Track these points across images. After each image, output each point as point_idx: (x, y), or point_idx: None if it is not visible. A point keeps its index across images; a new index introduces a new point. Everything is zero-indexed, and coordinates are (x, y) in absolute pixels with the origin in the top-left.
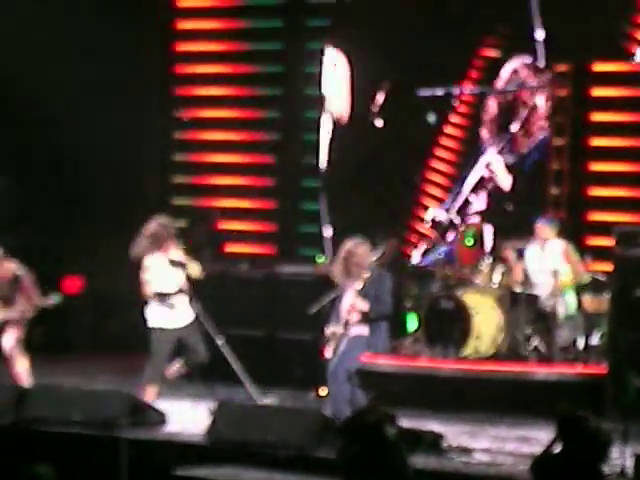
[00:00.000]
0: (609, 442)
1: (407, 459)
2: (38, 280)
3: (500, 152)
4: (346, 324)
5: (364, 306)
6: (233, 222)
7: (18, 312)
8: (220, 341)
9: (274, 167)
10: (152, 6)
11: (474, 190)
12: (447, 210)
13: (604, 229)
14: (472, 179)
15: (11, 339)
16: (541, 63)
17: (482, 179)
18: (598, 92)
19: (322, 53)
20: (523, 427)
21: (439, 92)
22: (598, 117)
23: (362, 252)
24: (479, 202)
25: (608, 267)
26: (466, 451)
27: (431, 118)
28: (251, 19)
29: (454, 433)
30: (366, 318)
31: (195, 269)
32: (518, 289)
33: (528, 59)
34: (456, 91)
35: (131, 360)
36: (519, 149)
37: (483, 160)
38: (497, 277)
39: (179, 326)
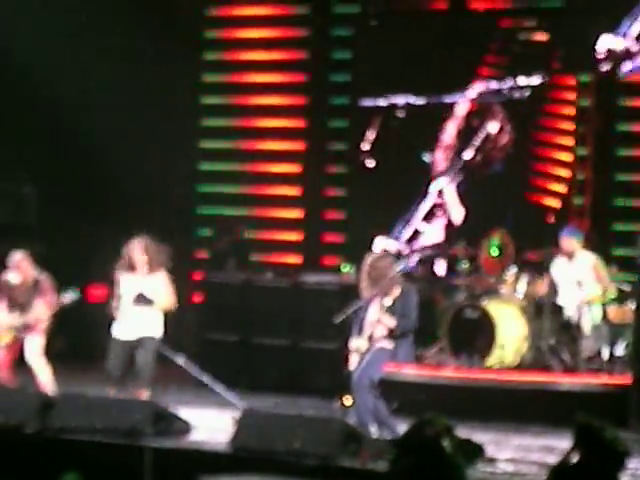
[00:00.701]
0: (627, 452)
1: (464, 474)
2: (60, 288)
3: (452, 180)
4: (370, 337)
5: (391, 323)
6: (258, 231)
7: (35, 316)
8: (181, 360)
9: (300, 176)
10: (182, 15)
11: (426, 219)
12: (396, 239)
13: (629, 239)
14: (423, 207)
15: (34, 347)
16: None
17: (434, 207)
18: (624, 102)
19: None
20: (547, 437)
21: (382, 102)
22: (623, 127)
23: (383, 265)
24: (433, 232)
25: (633, 277)
26: (491, 460)
27: (425, 157)
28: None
29: (479, 442)
30: (392, 334)
31: (165, 303)
32: (544, 299)
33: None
34: (400, 101)
35: (157, 368)
36: (472, 178)
37: (435, 187)
38: (522, 287)
39: (129, 338)
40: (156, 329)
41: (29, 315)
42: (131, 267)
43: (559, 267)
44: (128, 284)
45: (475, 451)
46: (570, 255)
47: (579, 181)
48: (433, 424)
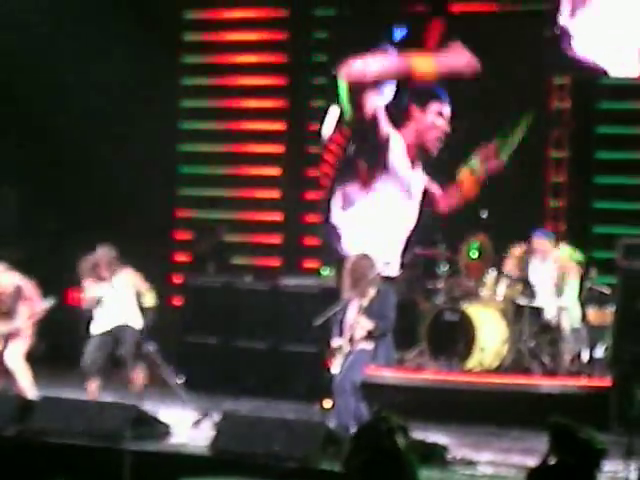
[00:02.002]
0: (603, 450)
1: (417, 472)
2: (41, 292)
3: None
4: (351, 339)
5: (369, 325)
6: (238, 234)
7: (20, 323)
8: (151, 347)
9: (279, 179)
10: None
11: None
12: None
13: (608, 241)
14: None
15: (16, 351)
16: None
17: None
18: (602, 105)
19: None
20: (527, 439)
21: None
22: (602, 130)
23: (365, 265)
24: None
25: (612, 280)
26: (470, 463)
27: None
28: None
29: (458, 445)
30: (371, 335)
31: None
32: (522, 301)
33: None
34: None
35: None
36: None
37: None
38: (501, 289)
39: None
40: (135, 319)
41: (14, 322)
42: (98, 277)
43: (534, 269)
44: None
45: (436, 452)
46: (544, 256)
47: (555, 184)
48: (387, 421)
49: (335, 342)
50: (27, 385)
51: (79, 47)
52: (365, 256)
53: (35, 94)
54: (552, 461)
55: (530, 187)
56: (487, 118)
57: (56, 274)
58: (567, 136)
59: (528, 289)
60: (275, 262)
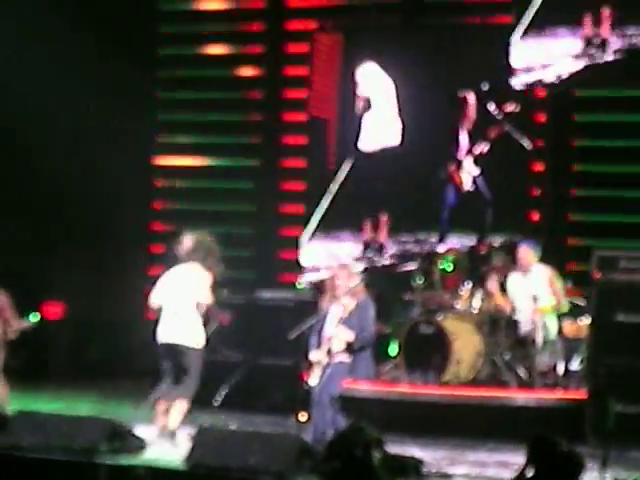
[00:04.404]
0: (581, 463)
1: None
2: (17, 305)
3: None
4: (329, 351)
5: (349, 336)
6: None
7: None
8: None
9: (253, 192)
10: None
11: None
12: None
13: (584, 254)
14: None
15: None
16: None
17: None
18: (580, 117)
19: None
20: (503, 452)
21: None
22: (579, 142)
23: (343, 275)
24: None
25: (588, 292)
26: (446, 477)
27: None
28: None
29: (434, 458)
30: (350, 347)
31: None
32: (500, 315)
33: None
34: None
35: (111, 386)
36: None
37: None
38: (477, 302)
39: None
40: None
41: None
42: None
43: (514, 282)
44: None
45: (411, 466)
46: (525, 269)
47: (534, 196)
48: (363, 433)
49: (313, 354)
50: (2, 399)
51: (49, 63)
52: (344, 266)
53: (8, 111)
54: (530, 473)
55: (511, 199)
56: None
57: (32, 288)
58: (548, 149)
59: (508, 304)
60: (250, 275)
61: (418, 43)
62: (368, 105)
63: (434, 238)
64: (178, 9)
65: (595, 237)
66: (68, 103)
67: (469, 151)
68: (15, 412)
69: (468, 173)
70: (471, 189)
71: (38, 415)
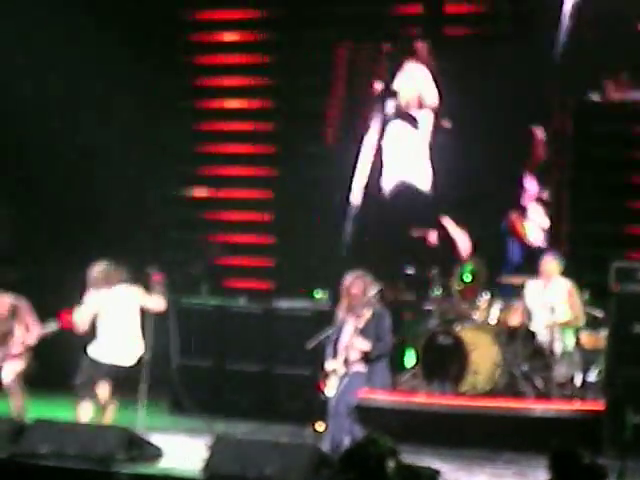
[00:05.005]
0: (604, 476)
1: None
2: (37, 313)
3: None
4: (345, 361)
5: (366, 346)
6: (232, 257)
7: (18, 345)
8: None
9: (273, 202)
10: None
11: None
12: None
13: (602, 265)
14: None
15: (11, 372)
16: None
17: None
18: (599, 127)
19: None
20: (520, 463)
21: None
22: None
23: (360, 285)
24: None
25: (606, 303)
26: None
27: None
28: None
29: (451, 469)
30: (367, 357)
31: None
32: (516, 324)
33: None
34: None
35: (129, 394)
36: None
37: None
38: (495, 313)
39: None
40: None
41: (11, 344)
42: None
43: (533, 292)
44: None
45: (427, 476)
46: (547, 279)
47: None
48: (377, 444)
49: (329, 364)
50: (20, 407)
51: (61, 65)
52: (361, 276)
53: (34, 117)
54: None
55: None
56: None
57: (50, 296)
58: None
59: (525, 313)
60: (268, 285)
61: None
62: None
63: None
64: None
65: (613, 248)
66: (94, 106)
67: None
68: (33, 420)
69: (534, 223)
70: (540, 243)
71: (55, 423)
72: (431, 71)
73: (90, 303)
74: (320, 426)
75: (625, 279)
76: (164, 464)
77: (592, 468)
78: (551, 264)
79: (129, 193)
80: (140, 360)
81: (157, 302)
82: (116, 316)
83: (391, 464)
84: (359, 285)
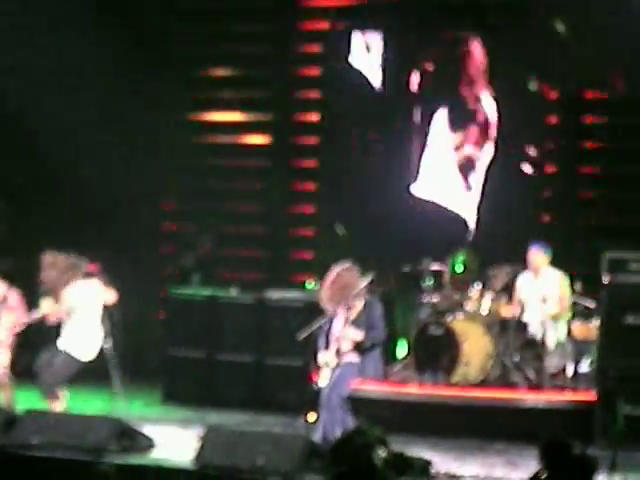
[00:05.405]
0: (594, 467)
1: None
2: (27, 305)
3: None
4: (338, 352)
5: (358, 335)
6: (224, 248)
7: (5, 332)
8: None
9: (262, 192)
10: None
11: None
12: None
13: (594, 256)
14: None
15: (1, 365)
16: None
17: None
18: (590, 119)
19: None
20: (512, 453)
21: None
22: (589, 144)
23: (349, 277)
24: None
25: (597, 294)
26: (454, 477)
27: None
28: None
29: (443, 459)
30: (359, 347)
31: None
32: (509, 316)
33: None
34: None
35: (121, 384)
36: None
37: None
38: (486, 303)
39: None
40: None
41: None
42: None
43: (524, 284)
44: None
45: (419, 466)
46: (536, 271)
47: (545, 198)
48: (365, 435)
49: (322, 355)
50: (10, 398)
51: (64, 62)
52: (349, 267)
53: (20, 110)
54: (543, 476)
55: (520, 202)
56: None
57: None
58: (559, 150)
59: (517, 304)
60: (260, 275)
61: None
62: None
63: None
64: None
65: (605, 239)
66: (84, 99)
67: None
68: (23, 411)
69: None
70: None
71: (46, 414)
72: None
73: (65, 296)
74: (312, 417)
75: (617, 270)
76: (156, 455)
77: (582, 459)
78: (537, 256)
79: (119, 184)
80: (100, 353)
81: (109, 294)
82: (80, 311)
83: (381, 454)
84: (347, 277)
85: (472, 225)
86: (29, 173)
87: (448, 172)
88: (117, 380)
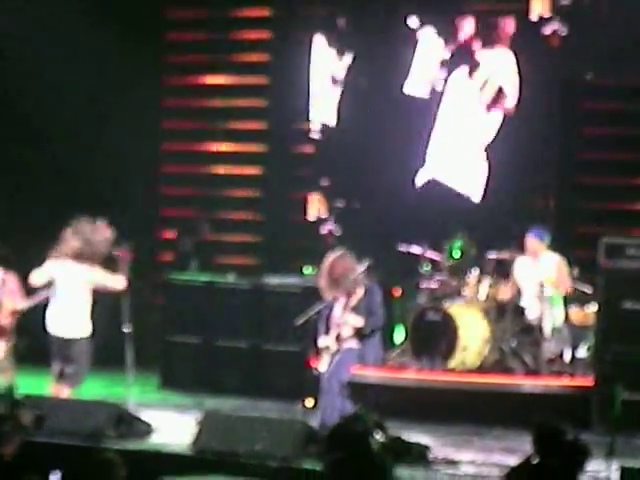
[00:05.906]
0: (586, 452)
1: (392, 470)
2: (25, 289)
3: None
4: (338, 338)
5: (358, 322)
6: (221, 233)
7: (5, 316)
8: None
9: (261, 178)
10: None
11: None
12: None
13: (591, 241)
14: None
15: (1, 349)
16: None
17: None
18: (589, 105)
19: None
20: (509, 439)
21: None
22: (589, 130)
23: (344, 264)
24: None
25: (595, 279)
26: (452, 463)
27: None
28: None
29: (440, 445)
30: (359, 333)
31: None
32: (507, 298)
33: None
34: None
35: (117, 370)
36: None
37: None
38: (484, 289)
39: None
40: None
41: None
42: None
43: (523, 268)
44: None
45: (417, 451)
46: (534, 255)
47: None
48: (363, 420)
49: (322, 341)
50: (11, 382)
51: (60, 47)
52: (345, 255)
53: (17, 95)
54: (535, 461)
55: (518, 187)
56: None
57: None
58: (557, 136)
59: (516, 289)
60: (258, 261)
61: None
62: None
63: None
64: None
65: (603, 224)
66: (79, 80)
67: None
68: (22, 396)
69: None
70: None
71: (45, 399)
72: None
73: (47, 269)
74: (309, 402)
75: (614, 255)
76: (154, 440)
77: (574, 445)
78: (534, 242)
79: (116, 168)
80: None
81: (118, 280)
82: (64, 289)
83: (377, 438)
84: (342, 264)
85: (477, 199)
86: (26, 159)
87: (458, 137)
88: (132, 366)
